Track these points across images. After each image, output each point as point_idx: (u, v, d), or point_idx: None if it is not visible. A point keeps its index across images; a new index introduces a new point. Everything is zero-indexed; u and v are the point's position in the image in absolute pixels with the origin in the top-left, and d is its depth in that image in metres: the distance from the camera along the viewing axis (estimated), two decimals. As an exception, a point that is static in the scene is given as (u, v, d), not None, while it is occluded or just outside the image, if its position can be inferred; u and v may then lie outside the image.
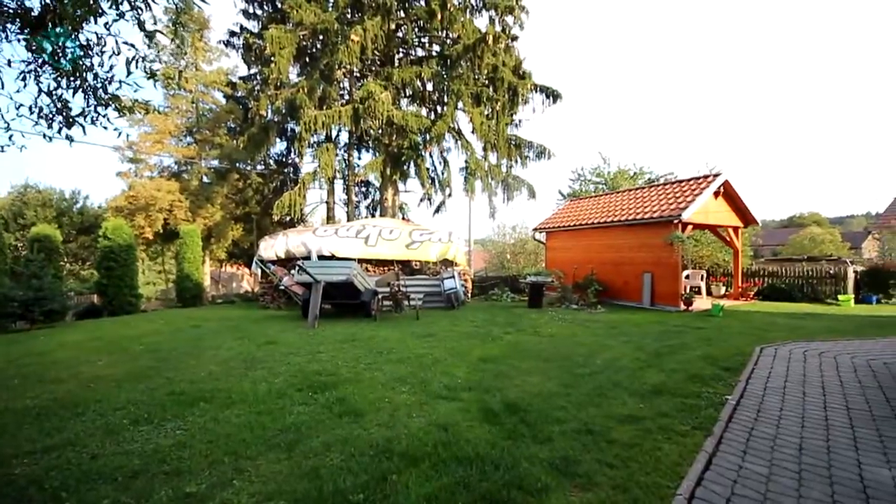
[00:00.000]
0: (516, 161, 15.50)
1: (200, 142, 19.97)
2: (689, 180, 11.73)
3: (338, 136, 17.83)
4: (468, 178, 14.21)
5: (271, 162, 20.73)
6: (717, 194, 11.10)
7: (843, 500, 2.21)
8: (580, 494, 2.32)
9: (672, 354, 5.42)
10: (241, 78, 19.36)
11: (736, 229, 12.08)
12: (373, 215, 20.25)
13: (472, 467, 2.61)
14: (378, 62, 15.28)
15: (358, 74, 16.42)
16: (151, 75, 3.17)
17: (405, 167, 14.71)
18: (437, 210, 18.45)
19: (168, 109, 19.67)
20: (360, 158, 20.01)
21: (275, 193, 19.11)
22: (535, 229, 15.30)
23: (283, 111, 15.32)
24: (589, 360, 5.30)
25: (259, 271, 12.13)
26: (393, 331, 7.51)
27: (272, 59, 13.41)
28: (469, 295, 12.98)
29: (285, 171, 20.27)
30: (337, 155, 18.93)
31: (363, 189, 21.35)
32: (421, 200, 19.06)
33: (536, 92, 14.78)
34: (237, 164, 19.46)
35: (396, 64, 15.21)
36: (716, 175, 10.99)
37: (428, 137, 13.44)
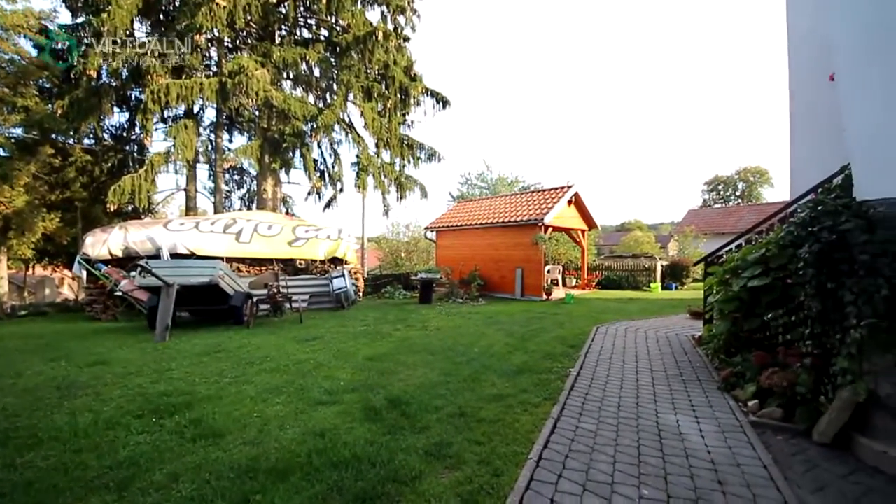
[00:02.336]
0: (409, 161, 15.67)
1: (-7, 101, 14.62)
2: (550, 190, 13.64)
3: (201, 112, 15.24)
4: (360, 173, 13.76)
5: (106, 136, 16.47)
6: (570, 203, 13.18)
7: (644, 442, 2.87)
8: (450, 475, 2.49)
9: (534, 338, 6.23)
10: (62, 26, 14.86)
11: (583, 232, 14.54)
12: (248, 208, 17.97)
13: (348, 469, 2.55)
14: (255, 36, 13.59)
15: (230, 46, 14.33)
16: None
17: (288, 156, 13.41)
18: (328, 205, 17.41)
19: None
20: (231, 141, 17.53)
21: (111, 176, 15.24)
22: (427, 228, 15.77)
23: (125, 75, 12.37)
24: (469, 348, 5.71)
25: (84, 274, 9.55)
26: (269, 337, 6.81)
27: (108, 6, 10.70)
28: (361, 294, 12.62)
29: (126, 148, 16.38)
30: (201, 135, 16.19)
31: (236, 177, 18.76)
32: (309, 194, 17.66)
33: (427, 96, 15.20)
34: (53, 136, 14.87)
35: (278, 42, 13.77)
36: (569, 187, 13.03)
37: (315, 126, 12.52)
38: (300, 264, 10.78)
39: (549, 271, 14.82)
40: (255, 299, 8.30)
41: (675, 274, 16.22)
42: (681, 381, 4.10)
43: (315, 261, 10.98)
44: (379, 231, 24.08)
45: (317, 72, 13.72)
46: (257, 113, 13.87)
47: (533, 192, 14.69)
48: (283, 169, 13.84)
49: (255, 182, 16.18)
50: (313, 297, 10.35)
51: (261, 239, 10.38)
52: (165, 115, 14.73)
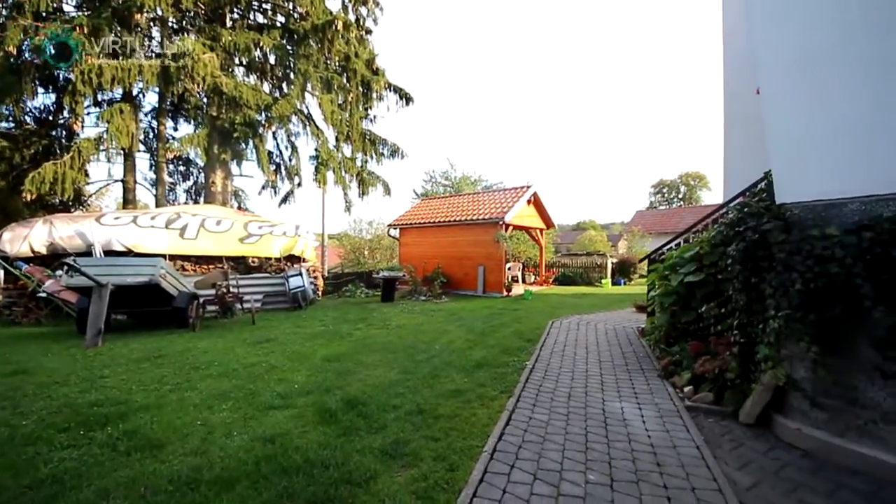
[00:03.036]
0: (371, 156, 15.32)
1: None
2: (510, 189, 13.94)
3: (141, 96, 13.95)
4: (319, 167, 13.23)
5: (27, 120, 14.63)
6: (529, 202, 13.54)
7: (592, 429, 3.00)
8: (406, 472, 2.45)
9: (493, 333, 6.34)
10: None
11: (541, 230, 15.01)
12: (196, 202, 16.74)
13: (299, 474, 2.44)
14: (204, 18, 12.63)
15: (176, 27, 13.21)
16: None
17: (239, 147, 12.61)
18: (285, 200, 16.63)
19: None
20: (176, 129, 16.20)
21: (34, 164, 13.55)
22: (390, 225, 15.53)
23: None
24: (430, 346, 5.68)
25: (0, 273, 8.43)
26: (217, 340, 6.38)
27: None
28: (320, 293, 12.18)
29: (53, 134, 14.64)
30: (142, 121, 14.84)
31: (182, 168, 17.39)
32: (263, 188, 16.80)
33: (391, 91, 14.93)
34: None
35: (229, 25, 12.89)
36: (528, 187, 13.39)
37: (269, 116, 11.85)
38: (253, 262, 10.20)
39: (509, 268, 15.16)
40: (201, 300, 7.75)
41: (623, 270, 17.21)
42: (626, 370, 4.34)
43: (270, 259, 10.44)
44: (341, 228, 23.40)
45: (272, 59, 13.00)
46: (206, 100, 12.93)
47: (494, 191, 14.94)
48: (234, 161, 13.02)
49: (202, 174, 15.09)
50: (268, 296, 9.86)
51: (208, 235, 9.69)
52: (100, 99, 13.36)
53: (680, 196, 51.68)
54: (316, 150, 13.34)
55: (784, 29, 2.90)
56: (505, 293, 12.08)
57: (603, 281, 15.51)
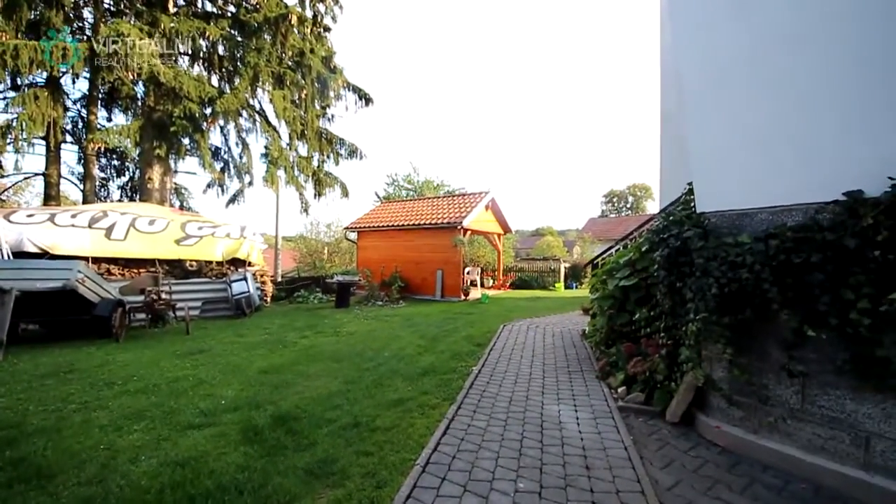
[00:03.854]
0: (329, 156, 14.79)
1: None
2: (470, 194, 14.03)
3: (68, 82, 12.57)
4: (269, 166, 12.51)
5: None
6: (487, 208, 13.69)
7: (528, 434, 2.95)
8: (329, 493, 2.25)
9: (445, 338, 6.23)
10: None
11: (499, 235, 15.24)
12: (132, 199, 15.31)
13: (208, 502, 2.16)
14: (143, 1, 11.60)
15: (112, 9, 12.04)
16: None
17: (178, 141, 11.64)
18: (233, 200, 15.58)
19: None
20: (110, 120, 14.72)
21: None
22: (347, 228, 15.05)
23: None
24: (379, 353, 5.47)
25: None
26: (143, 352, 5.77)
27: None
28: (269, 299, 11.49)
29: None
30: (69, 110, 13.37)
31: (115, 163, 15.86)
32: (209, 186, 15.66)
33: (349, 90, 14.55)
34: None
35: (173, 11, 11.95)
36: (486, 193, 13.54)
37: (213, 110, 11.04)
38: (191, 266, 9.40)
39: (468, 272, 15.21)
40: (127, 307, 6.99)
41: (575, 275, 17.87)
42: (567, 372, 4.39)
43: (211, 262, 9.67)
44: (297, 230, 22.38)
45: (221, 51, 12.20)
46: (143, 90, 11.87)
47: (453, 196, 14.98)
48: (173, 156, 12.00)
49: (138, 169, 13.83)
50: (207, 303, 9.14)
51: (139, 236, 8.80)
52: (18, 83, 11.85)
53: (628, 205, 54.97)
54: (266, 147, 12.62)
55: (701, 42, 3.06)
56: (463, 297, 12.07)
57: (556, 285, 16.00)
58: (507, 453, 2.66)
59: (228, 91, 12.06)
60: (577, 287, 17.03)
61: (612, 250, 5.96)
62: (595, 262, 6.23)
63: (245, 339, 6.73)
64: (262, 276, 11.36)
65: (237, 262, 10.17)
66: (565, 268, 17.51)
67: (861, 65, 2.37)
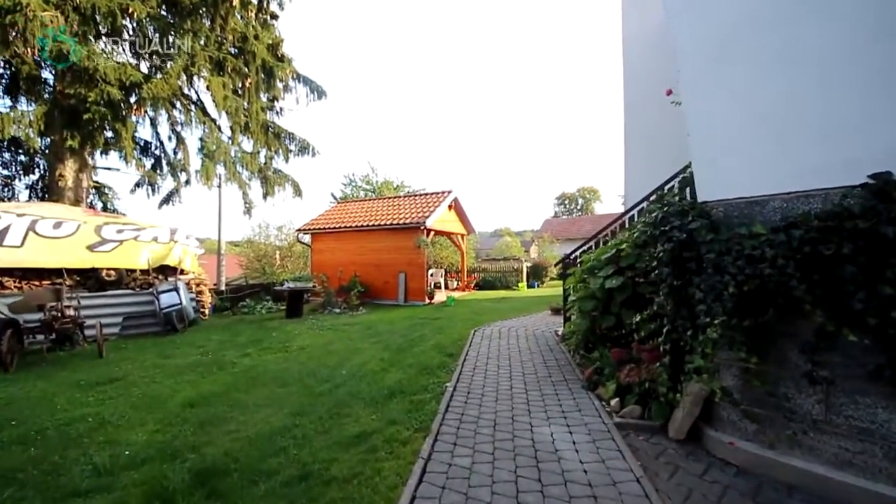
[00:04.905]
0: (277, 153, 13.44)
1: None
2: (431, 194, 13.43)
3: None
4: (205, 160, 11.01)
5: None
6: (450, 207, 13.17)
7: (522, 472, 2.39)
8: None
9: (412, 348, 5.57)
10: None
11: (462, 236, 14.80)
12: (42, 199, 12.95)
13: None
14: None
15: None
16: None
17: (94, 131, 9.85)
18: (167, 201, 13.71)
19: None
20: (14, 107, 12.29)
21: None
22: (300, 230, 13.78)
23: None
24: (336, 371, 4.68)
25: None
26: (37, 383, 4.52)
27: None
28: (208, 310, 10.07)
29: None
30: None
31: (21, 158, 13.34)
32: (137, 186, 13.67)
33: (300, 82, 13.34)
34: None
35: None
36: (449, 192, 13.02)
37: (139, 97, 9.44)
38: (108, 276, 7.88)
39: (432, 275, 14.58)
40: (22, 327, 5.57)
41: (536, 274, 17.92)
42: (550, 382, 3.92)
43: (134, 271, 8.20)
44: (245, 234, 20.40)
45: (151, 33, 10.55)
46: (52, 72, 9.96)
47: (415, 195, 14.30)
48: (90, 149, 10.18)
49: (48, 164, 11.65)
50: (130, 319, 7.71)
51: (41, 241, 7.18)
52: None
53: (578, 207, 57.45)
54: (202, 139, 11.12)
55: (697, 8, 2.70)
56: (427, 301, 11.42)
57: (520, 284, 15.87)
58: (501, 501, 2.08)
59: (159, 76, 10.44)
60: (538, 286, 17.06)
61: (585, 247, 5.66)
62: (567, 259, 5.88)
63: (172, 361, 5.60)
64: (198, 284, 9.92)
65: (167, 271, 8.73)
66: (527, 267, 17.48)
67: (886, 35, 2.08)
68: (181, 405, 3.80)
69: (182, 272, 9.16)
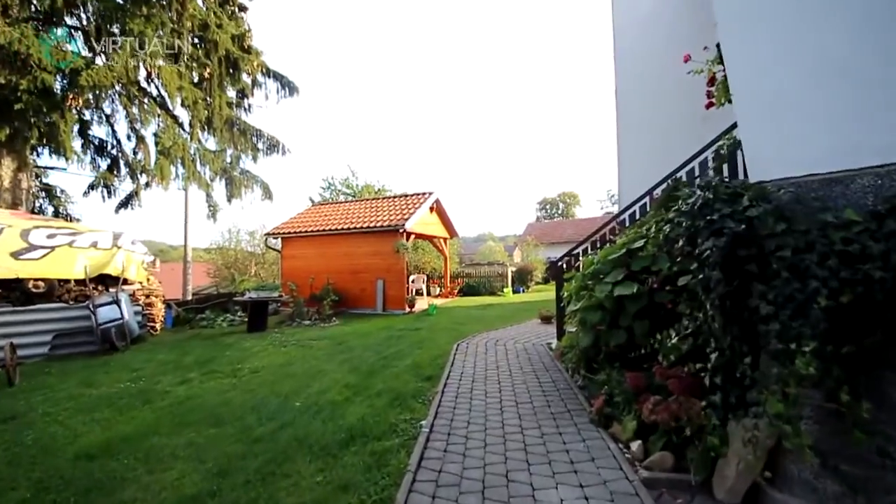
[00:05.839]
0: (245, 152, 12.36)
1: None
2: (411, 195, 12.63)
3: None
4: (159, 157, 9.84)
5: None
6: (431, 209, 12.40)
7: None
8: None
9: (385, 369, 4.71)
10: None
11: (445, 240, 14.02)
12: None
13: None
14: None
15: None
16: None
17: (32, 124, 8.61)
18: (125, 205, 12.40)
19: None
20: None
21: None
22: (270, 234, 12.68)
23: None
24: (287, 403, 3.79)
25: None
26: None
27: None
28: (159, 324, 8.91)
29: None
30: None
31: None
32: (91, 188, 12.30)
33: (270, 78, 12.36)
34: None
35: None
36: (430, 193, 12.26)
37: (80, 85, 8.26)
38: (36, 287, 6.70)
39: (412, 281, 13.73)
40: None
41: (522, 279, 17.31)
42: (550, 415, 3.15)
43: (68, 281, 7.04)
44: (213, 240, 19.04)
45: (98, 17, 9.39)
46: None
47: (393, 197, 13.44)
48: (19, 144, 8.91)
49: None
50: (61, 336, 6.58)
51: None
52: None
53: (559, 211, 57.83)
54: (156, 134, 9.94)
55: None
56: (408, 309, 10.55)
57: (505, 290, 15.19)
58: None
59: (106, 63, 9.27)
60: (524, 291, 16.43)
61: (580, 248, 4.99)
62: (559, 263, 5.20)
63: (96, 390, 4.58)
64: (147, 296, 8.78)
65: (108, 280, 7.58)
66: (512, 272, 16.85)
67: None
68: (76, 457, 2.87)
69: (126, 282, 8.03)
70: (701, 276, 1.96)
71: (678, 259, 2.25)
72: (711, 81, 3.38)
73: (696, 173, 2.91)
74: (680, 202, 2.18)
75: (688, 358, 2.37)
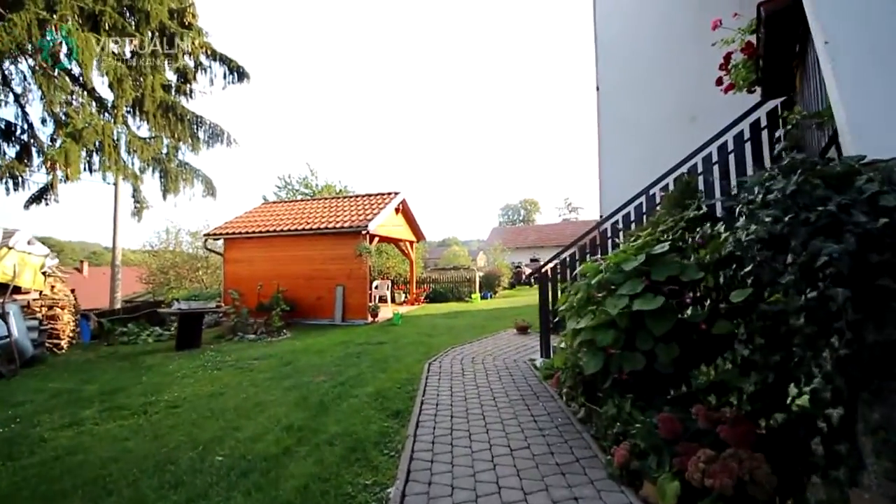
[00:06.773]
0: (184, 140, 10.72)
1: None
2: (376, 195, 11.68)
3: None
4: (66, 141, 8.09)
5: None
6: (397, 210, 11.52)
7: None
8: None
9: (340, 401, 3.79)
10: None
11: (411, 243, 13.18)
12: None
13: None
14: None
15: None
16: None
17: None
18: (38, 199, 10.28)
19: None
20: None
21: None
22: (210, 235, 11.08)
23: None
24: (204, 457, 2.78)
25: None
26: None
27: None
28: (65, 341, 7.25)
29: None
30: None
31: None
32: (-1, 180, 10.04)
33: (216, 61, 10.89)
34: None
35: None
36: (396, 193, 11.39)
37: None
38: None
39: (376, 287, 12.72)
40: None
41: (489, 283, 16.85)
42: (556, 468, 2.44)
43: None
44: (147, 240, 16.70)
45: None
46: None
47: (356, 196, 12.38)
48: None
49: None
50: None
51: None
52: None
53: (521, 217, 58.98)
54: (66, 114, 8.20)
55: None
56: (370, 319, 9.57)
57: (473, 296, 14.59)
58: None
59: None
60: (491, 296, 15.95)
61: (566, 255, 4.43)
62: (544, 269, 4.62)
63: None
64: (50, 307, 7.11)
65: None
66: (480, 277, 16.32)
67: None
68: None
69: (18, 290, 6.41)
70: (803, 294, 1.34)
71: (750, 268, 1.63)
72: (726, 62, 2.91)
73: (700, 169, 2.38)
74: (743, 192, 1.56)
75: (756, 398, 1.77)
